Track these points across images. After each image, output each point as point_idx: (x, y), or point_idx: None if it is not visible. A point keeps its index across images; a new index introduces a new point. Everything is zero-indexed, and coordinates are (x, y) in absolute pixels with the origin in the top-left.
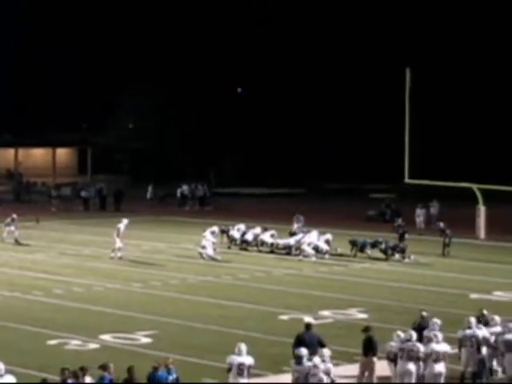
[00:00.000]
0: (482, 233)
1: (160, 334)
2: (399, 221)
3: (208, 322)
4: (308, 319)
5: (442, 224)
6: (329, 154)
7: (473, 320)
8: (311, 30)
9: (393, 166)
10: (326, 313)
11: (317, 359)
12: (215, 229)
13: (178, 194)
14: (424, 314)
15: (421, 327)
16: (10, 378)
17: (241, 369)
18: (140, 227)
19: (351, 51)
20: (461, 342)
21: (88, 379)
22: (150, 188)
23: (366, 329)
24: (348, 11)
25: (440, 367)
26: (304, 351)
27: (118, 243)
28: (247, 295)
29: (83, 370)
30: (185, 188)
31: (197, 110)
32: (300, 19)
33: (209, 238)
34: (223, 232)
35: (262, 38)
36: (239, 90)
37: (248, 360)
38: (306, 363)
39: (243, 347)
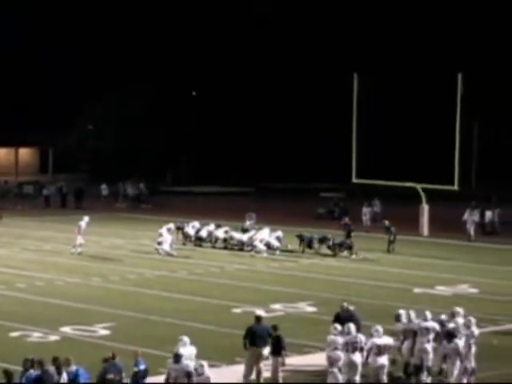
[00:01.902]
0: (425, 230)
1: (118, 326)
2: (346, 219)
3: (164, 314)
4: (258, 312)
5: (386, 222)
6: (280, 155)
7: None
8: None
9: (342, 166)
10: (277, 306)
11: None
12: (171, 226)
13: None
14: (345, 304)
15: (339, 318)
16: None
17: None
18: (99, 224)
19: (302, 58)
20: (404, 335)
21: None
22: (103, 186)
23: (275, 327)
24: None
25: (383, 360)
26: (183, 351)
27: (79, 239)
28: (202, 289)
29: (55, 361)
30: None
31: (155, 111)
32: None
33: (165, 235)
34: (178, 229)
35: (216, 41)
36: (193, 93)
37: (194, 350)
38: (184, 362)
39: (186, 339)
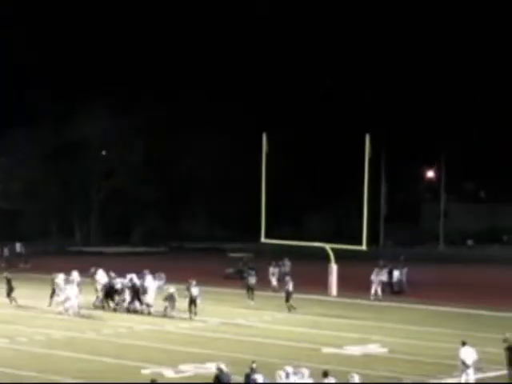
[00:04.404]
0: (333, 290)
1: None
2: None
3: (72, 375)
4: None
5: (288, 277)
6: (191, 215)
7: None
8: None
9: (251, 226)
10: (186, 367)
11: None
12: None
13: None
14: (254, 365)
15: (248, 378)
16: None
17: None
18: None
19: (209, 120)
20: None
21: None
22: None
23: None
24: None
25: None
26: None
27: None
28: (110, 350)
29: None
30: None
31: (61, 171)
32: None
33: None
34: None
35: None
36: (103, 153)
37: None
38: None
39: None
